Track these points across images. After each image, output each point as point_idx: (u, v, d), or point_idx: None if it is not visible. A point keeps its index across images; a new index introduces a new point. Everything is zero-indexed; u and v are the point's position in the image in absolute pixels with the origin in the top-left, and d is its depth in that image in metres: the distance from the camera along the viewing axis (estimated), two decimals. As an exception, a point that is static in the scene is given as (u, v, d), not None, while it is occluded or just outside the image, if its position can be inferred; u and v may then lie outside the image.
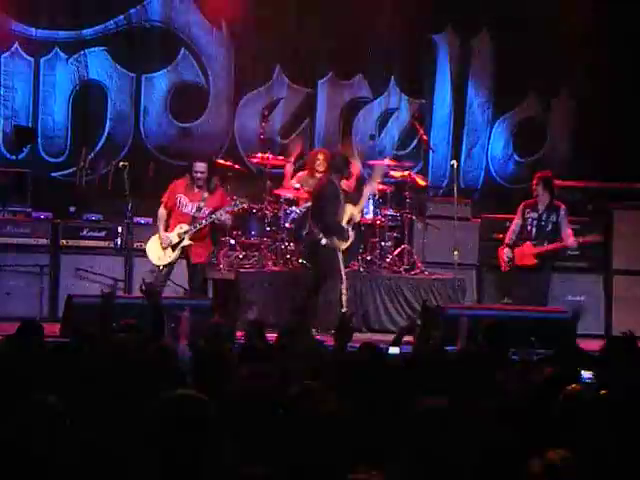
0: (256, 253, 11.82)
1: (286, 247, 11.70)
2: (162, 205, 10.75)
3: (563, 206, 11.14)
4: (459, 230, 11.79)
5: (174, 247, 10.62)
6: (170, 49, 13.20)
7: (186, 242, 10.63)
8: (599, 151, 13.14)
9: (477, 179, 13.88)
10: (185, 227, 10.63)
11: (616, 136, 13.11)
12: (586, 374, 5.88)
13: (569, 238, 11.09)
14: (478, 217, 12.60)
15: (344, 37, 13.16)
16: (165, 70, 13.17)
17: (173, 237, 10.62)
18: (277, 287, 11.39)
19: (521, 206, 11.25)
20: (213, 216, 10.64)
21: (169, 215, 10.74)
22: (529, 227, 11.15)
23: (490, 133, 13.97)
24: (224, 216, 10.71)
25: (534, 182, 11.15)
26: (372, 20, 13.25)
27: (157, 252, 10.64)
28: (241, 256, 11.81)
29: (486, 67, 14.00)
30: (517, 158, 13.89)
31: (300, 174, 12.09)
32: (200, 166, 10.74)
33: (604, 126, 13.20)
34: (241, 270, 11.54)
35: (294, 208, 11.80)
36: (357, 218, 10.91)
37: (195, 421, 3.48)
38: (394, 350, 6.42)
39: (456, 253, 11.80)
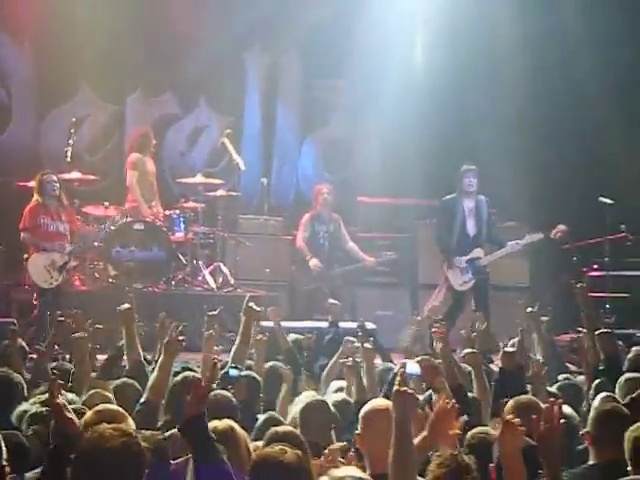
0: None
1: (94, 266, 11.42)
2: (24, 231, 10.45)
3: None
4: (271, 247, 11.81)
5: (60, 269, 10.40)
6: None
7: (73, 262, 10.57)
8: (409, 170, 13.35)
9: (288, 196, 13.97)
10: (69, 247, 10.47)
11: (423, 156, 13.36)
12: None
13: None
14: (289, 234, 12.65)
15: (153, 53, 13.02)
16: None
17: (59, 258, 10.41)
18: (85, 308, 11.04)
19: None
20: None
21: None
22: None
23: (299, 151, 14.11)
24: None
25: None
26: (183, 37, 13.15)
27: (42, 274, 10.37)
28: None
29: (294, 86, 14.14)
30: (327, 175, 14.05)
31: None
32: (54, 178, 10.51)
33: (411, 146, 13.42)
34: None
35: (103, 226, 11.54)
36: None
37: None
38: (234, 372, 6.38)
39: (267, 270, 11.82)
